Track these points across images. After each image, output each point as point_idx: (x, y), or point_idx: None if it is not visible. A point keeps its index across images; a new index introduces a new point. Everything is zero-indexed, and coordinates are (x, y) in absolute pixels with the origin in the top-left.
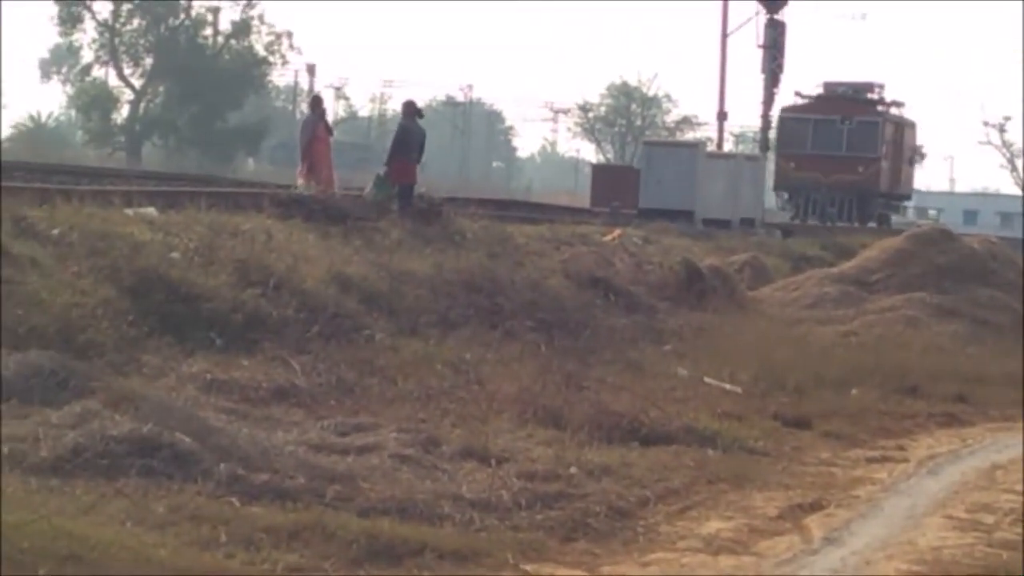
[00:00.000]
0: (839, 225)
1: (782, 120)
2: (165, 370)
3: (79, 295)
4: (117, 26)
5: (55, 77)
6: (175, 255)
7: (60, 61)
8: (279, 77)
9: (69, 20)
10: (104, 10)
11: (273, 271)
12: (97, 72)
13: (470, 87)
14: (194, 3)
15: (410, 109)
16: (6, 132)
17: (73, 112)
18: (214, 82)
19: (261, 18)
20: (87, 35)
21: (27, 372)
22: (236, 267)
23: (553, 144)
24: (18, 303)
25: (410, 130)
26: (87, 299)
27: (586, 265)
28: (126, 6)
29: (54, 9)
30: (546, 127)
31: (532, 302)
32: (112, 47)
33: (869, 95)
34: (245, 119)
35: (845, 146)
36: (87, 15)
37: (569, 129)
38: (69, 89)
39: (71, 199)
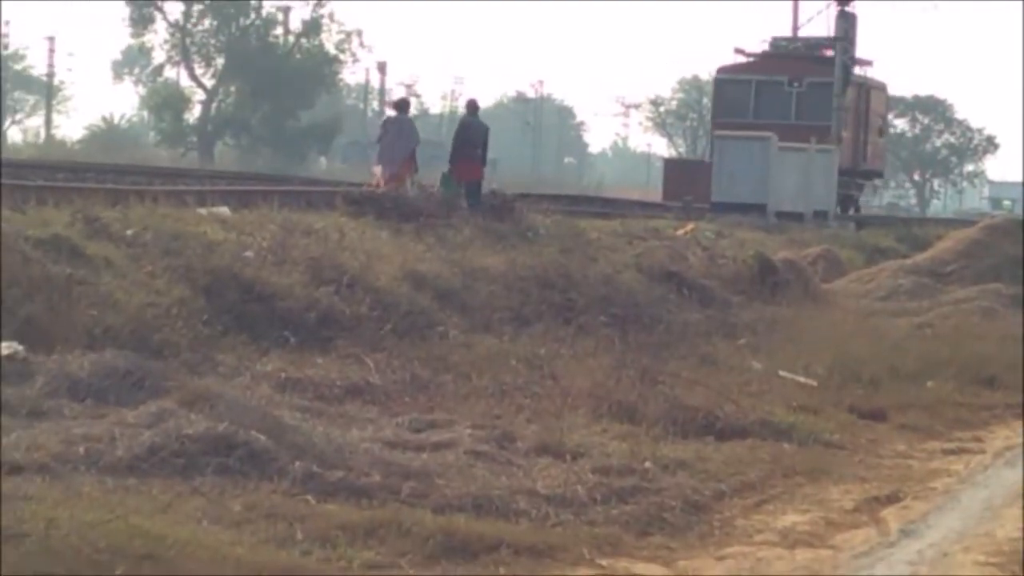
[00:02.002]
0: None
1: (717, 83)
2: (240, 369)
3: (154, 295)
4: (188, 26)
5: (127, 78)
6: (249, 254)
7: (132, 62)
8: (350, 75)
9: (141, 21)
10: (175, 11)
11: (346, 269)
12: (169, 73)
13: (541, 83)
14: (264, 2)
15: (470, 106)
16: (79, 134)
17: (145, 113)
18: (285, 81)
19: (331, 16)
20: (158, 36)
21: (103, 372)
22: (309, 265)
23: (624, 139)
24: (93, 303)
25: (470, 126)
26: (162, 299)
27: (659, 259)
28: (197, 7)
29: (126, 11)
30: (617, 122)
31: (605, 297)
32: (183, 48)
33: (824, 52)
34: (316, 118)
35: (794, 113)
36: (158, 16)
37: (640, 124)
38: (141, 90)
39: (144, 200)
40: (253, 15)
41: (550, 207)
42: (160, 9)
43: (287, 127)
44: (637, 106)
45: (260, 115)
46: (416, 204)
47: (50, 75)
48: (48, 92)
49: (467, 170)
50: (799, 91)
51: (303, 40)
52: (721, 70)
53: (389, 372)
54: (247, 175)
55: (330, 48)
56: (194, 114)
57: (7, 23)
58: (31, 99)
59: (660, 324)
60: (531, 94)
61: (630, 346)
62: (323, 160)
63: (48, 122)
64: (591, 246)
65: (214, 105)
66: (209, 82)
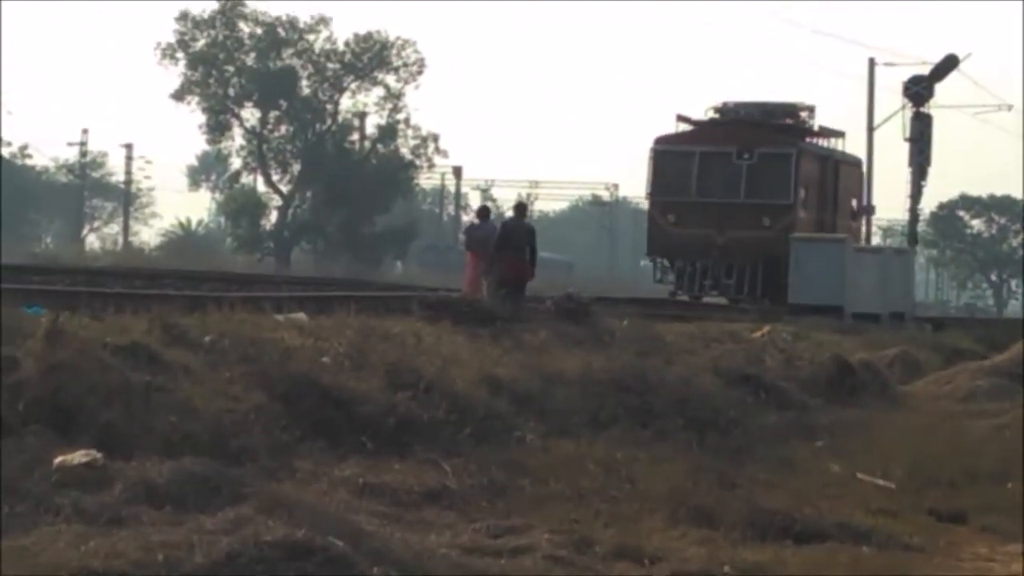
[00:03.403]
0: (738, 300)
1: (655, 155)
2: (318, 474)
3: (231, 401)
4: (265, 133)
5: (204, 185)
6: (326, 359)
7: (209, 169)
8: (426, 180)
9: (217, 128)
10: (252, 118)
11: (423, 374)
12: (245, 179)
13: (615, 186)
14: (340, 109)
15: (518, 209)
16: (156, 240)
17: (222, 219)
18: (361, 186)
19: (407, 122)
20: (235, 142)
21: (181, 479)
22: (387, 370)
23: None
24: (172, 410)
25: (516, 228)
26: (239, 405)
27: (736, 362)
28: (273, 113)
29: (202, 118)
30: None
31: (682, 400)
32: (260, 154)
33: (784, 120)
34: (393, 222)
35: (744, 190)
36: (235, 123)
37: None
38: (218, 196)
39: (222, 306)
40: (329, 121)
41: (626, 310)
42: (237, 116)
43: (363, 232)
44: None
45: (336, 220)
46: (492, 308)
47: (128, 182)
48: (126, 199)
49: (512, 270)
50: (750, 164)
51: (379, 146)
52: (659, 140)
53: (466, 477)
54: (324, 280)
55: (406, 153)
56: (271, 220)
57: (85, 131)
58: (109, 206)
59: (737, 427)
60: (606, 197)
61: (707, 449)
62: (399, 264)
63: (126, 229)
64: (668, 349)
65: (291, 211)
66: (286, 188)
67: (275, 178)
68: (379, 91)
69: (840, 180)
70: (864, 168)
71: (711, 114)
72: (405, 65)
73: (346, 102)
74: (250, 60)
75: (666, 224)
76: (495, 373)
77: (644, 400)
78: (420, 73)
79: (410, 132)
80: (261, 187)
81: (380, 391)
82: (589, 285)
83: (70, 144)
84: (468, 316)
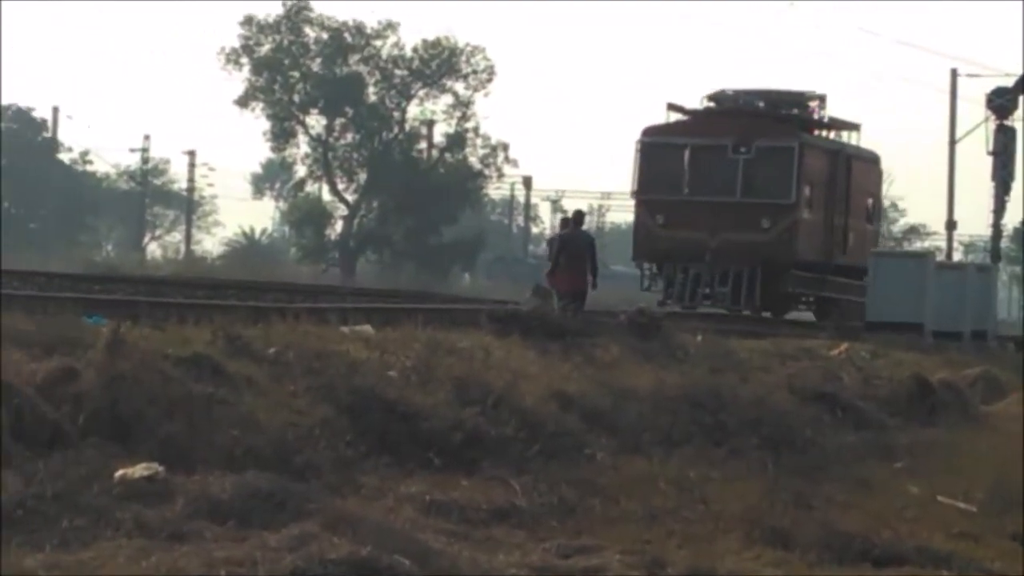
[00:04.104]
0: (735, 311)
1: (642, 148)
2: (383, 491)
3: (296, 415)
4: (330, 141)
5: (268, 193)
6: (392, 373)
7: (273, 177)
8: (495, 190)
9: (282, 136)
10: (317, 125)
11: (492, 389)
12: (310, 187)
13: None
14: (408, 116)
15: (576, 218)
16: (219, 249)
17: (286, 228)
18: (429, 196)
19: (476, 130)
20: (300, 150)
21: (244, 494)
22: (454, 385)
23: None
24: (234, 423)
25: (575, 238)
26: (304, 419)
27: (812, 380)
28: (339, 121)
29: (267, 125)
30: None
31: (757, 418)
32: (325, 162)
33: (790, 110)
34: (461, 233)
35: (741, 187)
36: (300, 130)
37: None
38: (282, 205)
39: (286, 317)
40: (396, 129)
41: (699, 325)
42: (302, 123)
43: (430, 242)
44: None
45: (403, 230)
46: (563, 322)
47: (190, 189)
48: (188, 207)
49: (571, 280)
50: (747, 158)
51: (447, 154)
52: (647, 132)
53: (536, 495)
54: (390, 292)
55: (474, 162)
56: (336, 229)
57: (147, 137)
58: (171, 214)
59: (814, 447)
60: None
61: (783, 469)
62: (467, 276)
63: (188, 237)
64: (742, 366)
65: (356, 220)
66: (351, 197)
67: (340, 187)
68: (447, 99)
69: (853, 177)
70: (879, 166)
71: (707, 103)
72: (474, 72)
73: (414, 110)
74: (316, 66)
75: (654, 225)
76: (565, 388)
77: (718, 418)
78: (490, 80)
79: (479, 141)
80: (326, 196)
81: (447, 406)
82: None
83: (132, 150)
84: (537, 330)
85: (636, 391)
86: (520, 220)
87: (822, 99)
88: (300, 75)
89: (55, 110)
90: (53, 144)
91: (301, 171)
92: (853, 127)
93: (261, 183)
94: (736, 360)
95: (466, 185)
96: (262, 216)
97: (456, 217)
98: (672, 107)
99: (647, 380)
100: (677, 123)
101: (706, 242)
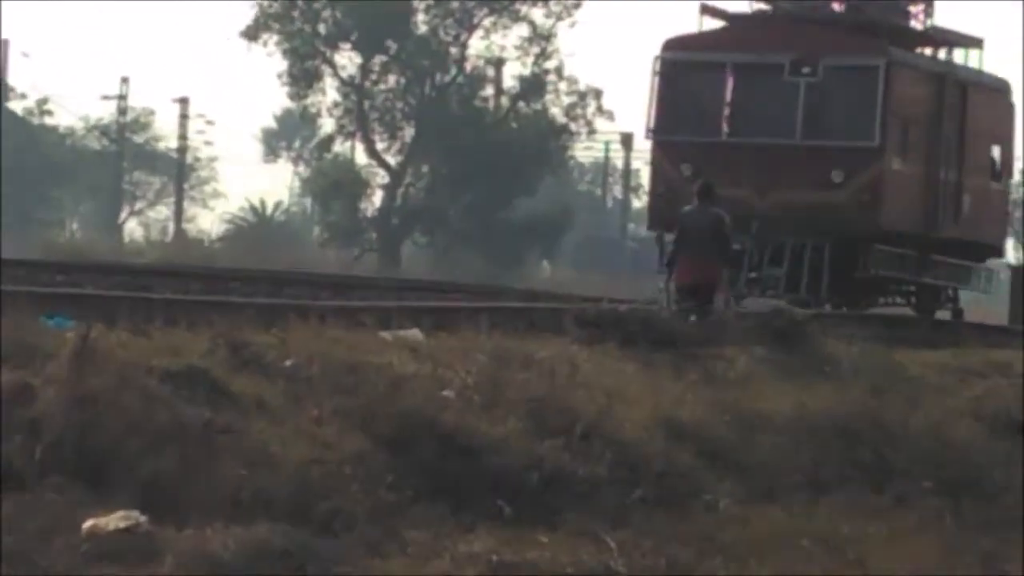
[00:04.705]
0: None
1: (663, 67)
2: (437, 549)
3: (320, 448)
4: (367, 85)
5: (284, 154)
6: (448, 393)
7: (291, 133)
8: (583, 151)
9: (303, 78)
10: (350, 64)
11: (579, 415)
12: (340, 147)
13: None
14: (469, 54)
15: (701, 191)
16: (220, 228)
17: (308, 201)
18: (497, 159)
19: (559, 72)
20: (327, 98)
21: (252, 552)
22: (529, 409)
23: None
24: (241, 459)
25: (699, 215)
26: (331, 453)
27: (1005, 404)
28: (379, 59)
29: (283, 64)
30: None
31: (932, 455)
32: (360, 113)
33: (871, 15)
34: (538, 208)
35: (802, 125)
36: (327, 71)
37: None
38: (303, 170)
39: (309, 319)
40: (454, 71)
41: (855, 331)
42: (329, 62)
43: (498, 220)
44: None
45: (462, 205)
46: (673, 327)
47: (182, 150)
48: (179, 172)
49: (691, 271)
50: (812, 83)
51: (521, 104)
52: (670, 45)
53: (638, 555)
54: (445, 285)
55: (557, 115)
56: (374, 203)
57: (125, 80)
58: (156, 181)
59: (1007, 492)
60: None
61: (966, 522)
62: (546, 265)
63: (178, 212)
64: (912, 385)
65: (400, 191)
66: (394, 160)
67: (380, 147)
68: (521, 30)
69: (970, 114)
70: (1010, 96)
71: (756, 5)
72: None
73: (477, 44)
74: None
75: (679, 180)
76: (677, 415)
77: (879, 455)
78: (578, 6)
79: (563, 86)
80: (361, 158)
81: (521, 437)
82: (803, 298)
83: (105, 98)
84: (640, 337)
85: (771, 418)
86: (617, 190)
87: (927, 2)
88: None
89: (4, 44)
90: (2, 90)
91: (328, 125)
92: (973, 43)
93: (275, 141)
94: (905, 378)
95: (546, 144)
96: (276, 185)
97: (533, 187)
98: (707, 10)
99: (786, 404)
100: (713, 33)
101: (753, 204)
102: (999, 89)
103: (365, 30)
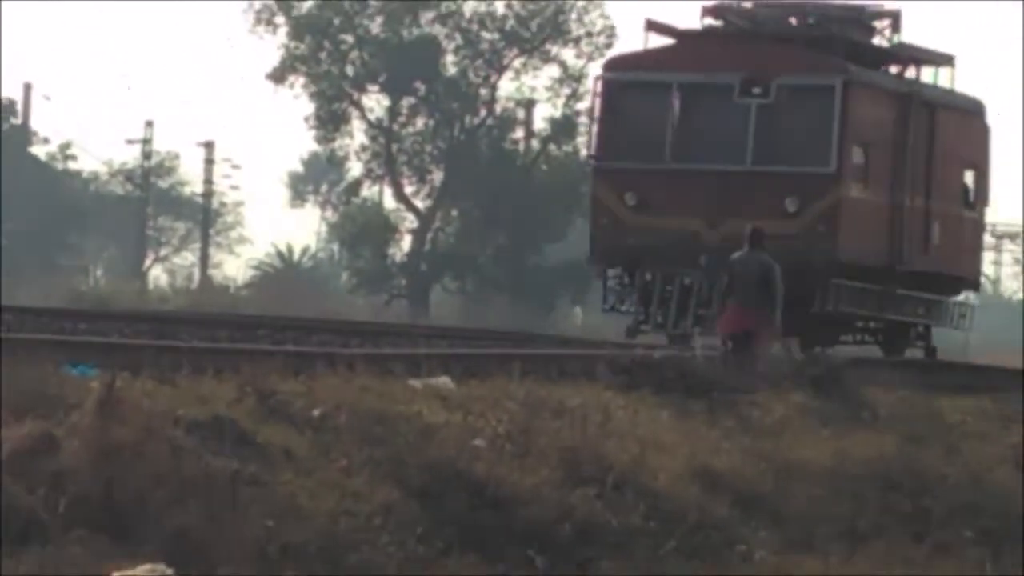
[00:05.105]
0: None
1: (605, 87)
2: None
3: (350, 499)
4: (395, 128)
5: (311, 198)
6: (479, 443)
7: (318, 176)
8: None
9: (330, 121)
10: (378, 107)
11: (612, 464)
12: (368, 191)
13: None
14: (499, 95)
15: (753, 237)
16: (246, 274)
17: (335, 246)
18: (528, 202)
19: (591, 113)
20: (354, 140)
21: None
22: (561, 459)
23: (995, 282)
24: (267, 511)
25: (746, 262)
26: (360, 505)
27: None
28: (407, 101)
29: (309, 107)
30: (987, 258)
31: (972, 504)
32: (388, 156)
33: (829, 30)
34: (570, 253)
35: (753, 149)
36: (354, 114)
37: (1017, 260)
38: (330, 214)
39: (336, 367)
40: (483, 113)
41: (893, 376)
42: (357, 104)
43: (529, 265)
44: (1012, 237)
45: (492, 249)
46: (707, 373)
47: (207, 194)
48: (205, 217)
49: (737, 320)
50: (764, 104)
51: (552, 146)
52: (612, 64)
53: None
54: (475, 332)
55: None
56: (402, 248)
57: (149, 124)
58: (181, 227)
59: None
60: None
61: (1006, 571)
62: (579, 311)
63: (204, 258)
64: (952, 432)
65: (429, 235)
66: (423, 204)
67: (409, 190)
68: (552, 71)
69: (939, 137)
70: (984, 118)
71: (706, 21)
72: (589, 35)
73: (507, 86)
74: (375, 27)
75: (622, 210)
76: (712, 464)
77: (918, 504)
78: (609, 46)
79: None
80: (389, 203)
81: (553, 487)
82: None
83: (129, 142)
84: (675, 384)
85: (808, 467)
86: None
87: (894, 17)
88: (355, 40)
89: (27, 88)
90: (24, 134)
91: (355, 169)
92: (943, 60)
93: (302, 185)
94: (943, 424)
95: (577, 187)
96: (303, 230)
97: (563, 231)
98: (653, 26)
99: (823, 452)
100: (658, 51)
101: (701, 235)
102: (971, 110)
103: (393, 72)
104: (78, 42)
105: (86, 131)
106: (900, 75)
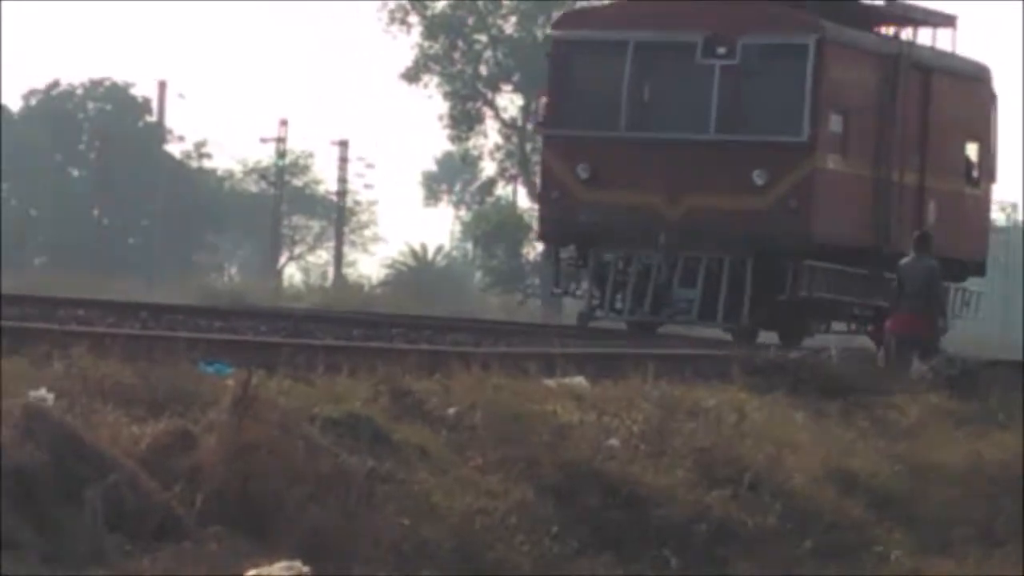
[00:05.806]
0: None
1: (554, 49)
2: None
3: (485, 498)
4: (529, 127)
5: (444, 198)
6: (613, 442)
7: (451, 176)
8: None
9: (465, 121)
10: (511, 106)
11: (747, 464)
12: (502, 190)
13: (1013, 207)
14: None
15: (918, 242)
16: (381, 273)
17: (470, 245)
18: None
19: None
20: (488, 140)
21: None
22: (696, 459)
23: None
24: (403, 509)
25: (910, 268)
26: (496, 503)
27: None
28: (542, 101)
29: (443, 106)
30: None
31: None
32: (522, 155)
33: None
34: None
35: (716, 116)
36: (488, 114)
37: None
38: (464, 214)
39: (471, 366)
40: None
41: None
42: (490, 103)
43: None
44: None
45: None
46: (844, 374)
47: (341, 193)
48: (339, 216)
49: (909, 323)
50: (728, 65)
51: None
52: (562, 22)
53: None
54: (610, 332)
55: None
56: (536, 247)
57: (284, 123)
58: (315, 225)
59: None
60: (1001, 221)
61: None
62: None
63: (338, 257)
64: None
65: None
66: None
67: None
68: None
69: (935, 104)
70: (990, 85)
71: None
72: None
73: None
74: (509, 26)
75: (573, 183)
76: (847, 465)
77: None
78: None
79: None
80: (523, 202)
81: (687, 487)
82: (978, 340)
83: (263, 141)
84: (810, 384)
85: (944, 469)
86: None
87: None
88: (489, 39)
89: (162, 86)
90: (159, 132)
91: (490, 168)
92: (943, 20)
93: (435, 184)
94: None
95: None
96: (438, 229)
97: None
98: None
99: (959, 454)
100: (612, 6)
101: (660, 211)
102: (974, 76)
103: (527, 71)
104: (213, 40)
105: (221, 129)
106: (897, 36)
